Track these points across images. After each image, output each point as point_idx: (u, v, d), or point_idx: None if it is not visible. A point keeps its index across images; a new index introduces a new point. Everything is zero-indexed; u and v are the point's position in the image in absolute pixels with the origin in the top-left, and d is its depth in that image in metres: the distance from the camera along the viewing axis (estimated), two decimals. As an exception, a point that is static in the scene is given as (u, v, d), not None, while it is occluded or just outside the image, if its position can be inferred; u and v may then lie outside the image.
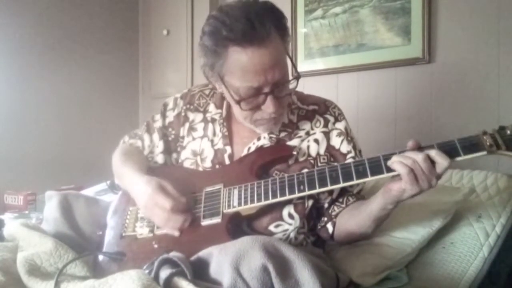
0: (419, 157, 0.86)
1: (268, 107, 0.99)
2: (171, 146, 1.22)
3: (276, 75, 0.97)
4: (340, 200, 1.11)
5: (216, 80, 1.04)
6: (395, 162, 0.88)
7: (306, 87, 1.42)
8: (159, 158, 1.21)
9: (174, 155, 1.22)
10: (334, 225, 1.09)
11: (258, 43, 0.93)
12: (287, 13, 2.05)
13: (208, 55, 0.99)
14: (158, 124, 1.22)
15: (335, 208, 1.10)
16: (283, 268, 0.77)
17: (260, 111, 1.02)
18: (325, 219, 1.11)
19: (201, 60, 1.04)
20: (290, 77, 1.03)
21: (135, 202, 1.10)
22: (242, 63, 0.94)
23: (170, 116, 1.22)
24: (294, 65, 1.08)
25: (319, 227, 1.13)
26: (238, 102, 0.99)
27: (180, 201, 0.98)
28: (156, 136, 1.22)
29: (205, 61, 1.02)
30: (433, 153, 0.87)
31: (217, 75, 1.01)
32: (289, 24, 1.04)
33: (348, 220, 1.07)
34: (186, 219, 0.99)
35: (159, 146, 1.21)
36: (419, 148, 0.90)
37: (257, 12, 0.93)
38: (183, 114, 1.20)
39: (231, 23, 0.93)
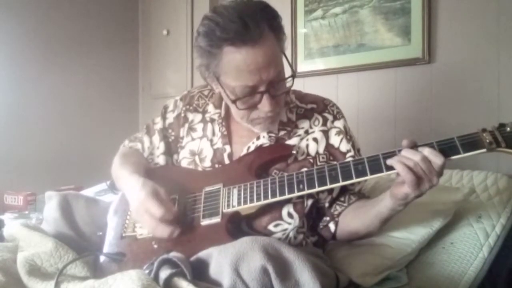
0: (417, 157, 0.86)
1: (264, 106, 1.00)
2: (172, 147, 1.22)
3: (271, 74, 0.97)
4: (342, 199, 1.11)
5: (212, 81, 1.06)
6: (396, 161, 0.88)
7: (306, 87, 1.42)
8: (161, 160, 1.21)
9: (175, 156, 1.22)
10: (336, 224, 1.10)
11: (252, 42, 0.94)
12: (287, 13, 2.08)
13: (203, 56, 1.01)
14: (158, 126, 1.23)
15: (337, 207, 1.10)
16: (283, 269, 0.77)
17: (256, 110, 1.03)
18: (327, 218, 1.11)
19: (197, 61, 1.05)
20: (287, 76, 1.03)
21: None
22: (236, 63, 0.95)
23: (170, 117, 1.23)
24: (290, 64, 1.08)
25: (321, 226, 1.12)
26: (234, 102, 1.00)
27: (171, 211, 0.96)
28: (156, 138, 1.23)
29: (200, 61, 1.03)
30: (427, 153, 0.86)
31: (213, 76, 1.02)
32: (284, 23, 1.04)
33: (353, 219, 1.07)
34: (173, 231, 0.95)
35: (160, 147, 1.22)
36: (415, 146, 0.90)
37: (251, 11, 0.94)
38: (182, 115, 1.21)
39: (224, 24, 0.94)
